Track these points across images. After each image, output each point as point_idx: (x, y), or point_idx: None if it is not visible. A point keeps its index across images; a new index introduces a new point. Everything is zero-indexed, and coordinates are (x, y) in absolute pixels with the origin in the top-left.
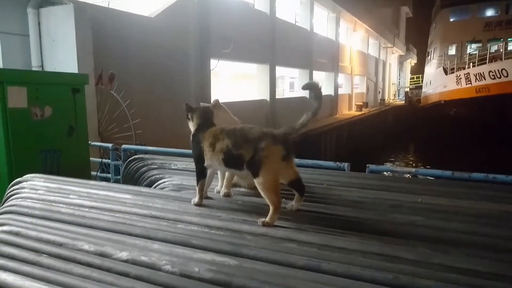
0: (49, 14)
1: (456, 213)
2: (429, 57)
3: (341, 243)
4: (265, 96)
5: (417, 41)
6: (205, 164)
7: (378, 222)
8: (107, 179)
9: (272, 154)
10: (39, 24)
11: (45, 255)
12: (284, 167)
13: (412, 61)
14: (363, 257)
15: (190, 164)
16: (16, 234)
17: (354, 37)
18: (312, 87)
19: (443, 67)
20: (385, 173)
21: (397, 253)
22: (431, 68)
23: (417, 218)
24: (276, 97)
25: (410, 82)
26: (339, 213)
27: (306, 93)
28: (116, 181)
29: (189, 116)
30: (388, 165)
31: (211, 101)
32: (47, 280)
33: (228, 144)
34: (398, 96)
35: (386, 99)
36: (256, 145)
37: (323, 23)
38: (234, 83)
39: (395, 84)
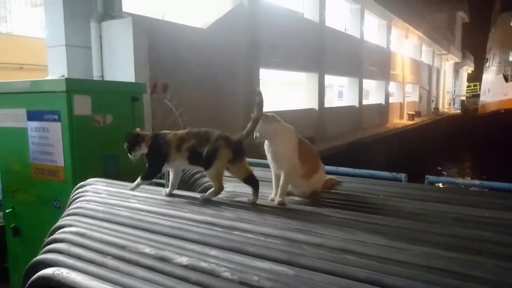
0: (109, 27)
1: None
2: (488, 64)
3: (402, 257)
4: (314, 105)
5: (474, 48)
6: (168, 164)
7: (441, 236)
8: (161, 185)
9: (222, 156)
10: (100, 37)
11: (110, 257)
12: (235, 166)
13: (468, 68)
14: (428, 273)
15: None
16: (82, 235)
17: (406, 44)
18: (257, 94)
19: (503, 74)
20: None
21: (464, 270)
22: (490, 75)
23: (485, 234)
24: (325, 105)
25: (466, 90)
26: (398, 225)
27: (355, 102)
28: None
29: (140, 140)
30: (447, 177)
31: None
32: (114, 281)
33: (194, 143)
34: (453, 105)
35: (440, 108)
36: (213, 145)
37: (373, 31)
38: (282, 91)
39: (450, 92)
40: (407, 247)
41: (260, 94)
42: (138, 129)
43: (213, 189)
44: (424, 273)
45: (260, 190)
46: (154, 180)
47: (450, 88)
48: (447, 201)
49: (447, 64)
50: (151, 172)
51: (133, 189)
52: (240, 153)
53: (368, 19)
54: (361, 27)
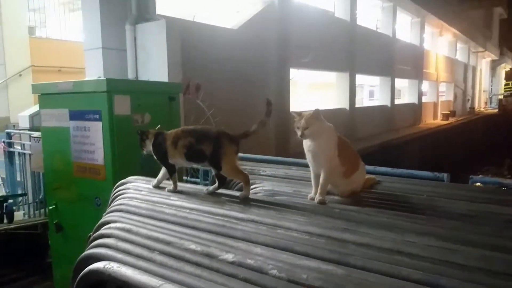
0: (144, 30)
1: None
2: None
3: (458, 259)
4: (344, 104)
5: None
6: (171, 160)
7: (496, 238)
8: (195, 183)
9: (229, 152)
10: (135, 39)
11: (157, 252)
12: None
13: (506, 66)
14: (489, 277)
15: (278, 170)
16: (128, 231)
17: (440, 42)
18: (268, 103)
19: None
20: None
21: None
22: None
23: None
24: (356, 105)
25: (504, 88)
26: (448, 226)
27: (387, 102)
28: (205, 186)
29: (144, 137)
30: (493, 178)
31: (290, 110)
32: (163, 276)
33: (190, 140)
34: (490, 104)
35: (476, 107)
36: (216, 145)
37: (406, 29)
38: (313, 91)
39: (486, 91)
40: (462, 249)
41: (270, 103)
42: (159, 127)
43: (244, 185)
44: (486, 278)
45: (299, 189)
46: (189, 179)
47: (487, 86)
48: (496, 202)
49: (484, 61)
50: (168, 169)
51: (173, 190)
52: (238, 149)
53: (400, 17)
54: (393, 25)
